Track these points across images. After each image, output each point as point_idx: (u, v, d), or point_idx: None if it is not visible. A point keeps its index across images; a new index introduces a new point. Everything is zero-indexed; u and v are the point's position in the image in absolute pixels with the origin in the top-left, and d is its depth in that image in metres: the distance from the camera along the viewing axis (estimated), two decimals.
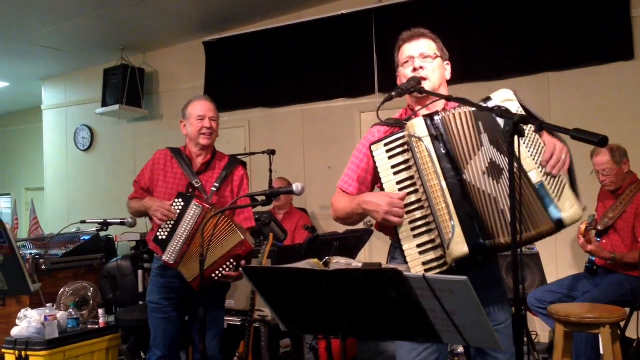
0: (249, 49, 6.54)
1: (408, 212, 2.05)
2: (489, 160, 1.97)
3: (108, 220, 3.28)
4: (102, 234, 4.53)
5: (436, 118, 2.03)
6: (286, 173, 5.82)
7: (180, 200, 3.14)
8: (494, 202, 1.96)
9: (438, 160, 1.99)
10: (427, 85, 2.19)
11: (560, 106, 4.95)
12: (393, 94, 2.12)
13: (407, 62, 2.27)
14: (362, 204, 2.15)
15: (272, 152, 5.38)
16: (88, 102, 8.01)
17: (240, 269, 3.07)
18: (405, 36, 2.33)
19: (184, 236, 3.12)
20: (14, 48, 7.07)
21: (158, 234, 3.16)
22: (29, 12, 5.95)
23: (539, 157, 1.94)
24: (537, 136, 1.94)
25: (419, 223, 2.04)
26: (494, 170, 1.97)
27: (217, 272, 3.07)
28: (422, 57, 2.23)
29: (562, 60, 4.98)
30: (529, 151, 1.94)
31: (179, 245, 3.12)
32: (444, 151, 2.00)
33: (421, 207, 2.04)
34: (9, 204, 10.60)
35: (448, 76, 2.29)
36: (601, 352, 3.48)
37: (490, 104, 1.98)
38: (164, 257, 3.16)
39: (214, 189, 3.26)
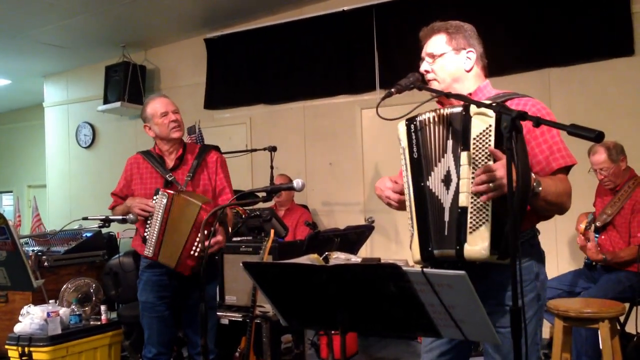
0: (250, 46, 6.55)
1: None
2: (447, 169, 1.97)
3: (110, 217, 3.28)
4: (104, 230, 4.54)
5: (416, 120, 2.05)
6: (287, 169, 5.83)
7: (156, 196, 3.19)
8: (443, 212, 1.97)
9: (410, 165, 2.05)
10: (435, 86, 2.17)
11: (561, 102, 4.96)
12: (392, 90, 2.12)
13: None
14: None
15: (273, 149, 5.39)
16: (90, 99, 8.02)
17: (219, 235, 3.12)
18: (420, 35, 2.28)
19: (157, 227, 3.16)
20: (16, 45, 7.08)
21: (145, 234, 3.21)
22: (31, 9, 5.96)
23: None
24: (489, 163, 1.83)
25: (408, 221, 2.09)
26: (448, 179, 1.96)
27: (194, 248, 3.10)
28: (430, 57, 2.20)
29: (563, 56, 4.99)
30: (472, 172, 1.86)
31: (154, 237, 3.17)
32: (415, 156, 2.04)
33: (408, 206, 2.09)
34: (12, 201, 10.62)
35: (468, 67, 2.17)
36: (600, 347, 3.49)
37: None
38: (144, 252, 3.20)
39: (187, 178, 3.30)
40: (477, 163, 1.87)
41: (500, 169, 1.76)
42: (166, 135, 3.32)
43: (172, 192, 3.16)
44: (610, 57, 4.83)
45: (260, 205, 4.01)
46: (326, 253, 1.90)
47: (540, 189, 1.87)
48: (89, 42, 7.16)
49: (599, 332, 3.40)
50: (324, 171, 6.18)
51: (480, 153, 1.87)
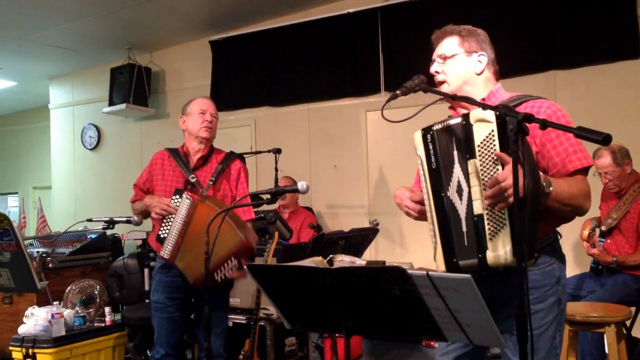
0: (255, 48, 6.55)
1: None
2: (457, 180, 1.95)
3: (114, 219, 3.29)
4: (108, 232, 4.54)
5: (432, 130, 2.02)
6: (292, 172, 5.82)
7: (177, 196, 3.20)
8: (461, 222, 1.95)
9: (429, 175, 2.03)
10: (444, 88, 2.16)
11: (566, 104, 4.87)
12: (397, 92, 2.10)
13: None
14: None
15: (278, 151, 5.38)
16: (95, 101, 8.04)
17: (245, 267, 3.09)
18: (432, 38, 2.27)
19: (177, 229, 3.15)
20: (22, 47, 7.10)
21: (160, 232, 3.20)
22: (37, 11, 5.98)
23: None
24: (497, 167, 1.83)
25: (430, 232, 2.07)
26: (460, 189, 1.95)
27: (217, 272, 3.08)
28: (441, 58, 2.19)
29: (569, 59, 4.97)
30: (483, 179, 1.86)
31: (173, 240, 3.15)
32: (434, 166, 2.02)
33: (430, 217, 2.06)
34: (17, 203, 10.65)
35: (479, 70, 2.16)
36: (606, 351, 3.47)
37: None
38: (161, 253, 3.20)
39: (210, 182, 3.31)
40: (485, 169, 1.86)
41: (508, 176, 1.74)
42: (196, 131, 3.36)
43: (196, 196, 3.16)
44: (615, 59, 4.80)
45: (265, 207, 4.01)
46: (330, 256, 1.89)
47: (551, 189, 1.84)
48: (94, 44, 7.18)
49: (605, 337, 3.39)
50: (328, 173, 6.17)
51: (487, 159, 1.85)
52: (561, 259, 2.11)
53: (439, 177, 2.00)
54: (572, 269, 4.72)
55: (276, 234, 3.67)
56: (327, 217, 6.18)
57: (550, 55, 5.01)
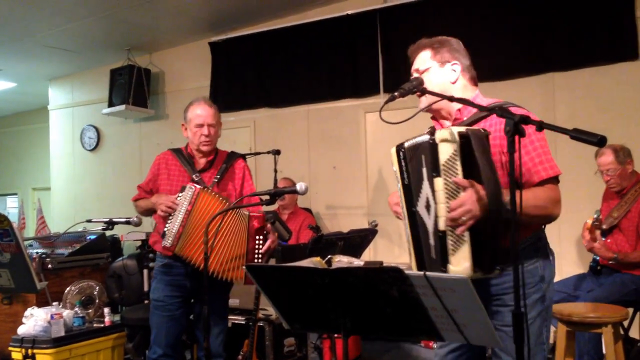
0: (254, 49, 6.56)
1: None
2: (426, 195, 2.02)
3: (114, 220, 3.30)
4: (107, 233, 4.55)
5: (404, 147, 2.11)
6: (291, 173, 5.83)
7: (182, 192, 3.20)
8: (429, 236, 2.03)
9: (403, 191, 2.13)
10: (423, 100, 2.25)
11: (565, 106, 4.95)
12: (396, 94, 2.14)
13: None
14: None
15: (277, 152, 5.39)
16: (94, 102, 8.04)
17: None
18: (408, 53, 2.39)
19: (179, 219, 3.15)
20: (21, 48, 7.11)
21: (165, 228, 3.20)
22: (36, 12, 5.99)
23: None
24: (460, 191, 1.92)
25: (406, 243, 2.20)
26: (428, 205, 2.01)
27: (256, 256, 3.18)
28: (417, 73, 2.29)
29: (567, 61, 4.97)
30: (447, 199, 1.93)
31: (175, 229, 3.15)
32: (406, 182, 2.10)
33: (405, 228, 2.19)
34: (16, 204, 10.65)
35: (453, 79, 2.25)
36: (604, 351, 3.48)
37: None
38: (163, 243, 3.17)
39: (215, 180, 3.33)
40: (449, 188, 1.93)
41: (466, 201, 1.88)
42: (195, 145, 3.37)
43: (199, 186, 3.19)
44: (614, 61, 4.81)
45: (264, 208, 4.02)
46: (329, 256, 1.90)
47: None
48: (94, 45, 7.19)
49: (602, 337, 3.40)
50: (327, 175, 6.18)
51: (450, 178, 1.93)
52: (546, 256, 2.18)
53: (410, 192, 2.09)
54: (572, 269, 4.74)
55: (275, 234, 3.68)
56: (326, 218, 6.19)
57: (549, 57, 5.02)
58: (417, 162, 2.04)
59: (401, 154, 2.11)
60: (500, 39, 5.18)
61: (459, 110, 2.20)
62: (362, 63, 5.90)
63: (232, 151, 3.55)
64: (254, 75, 6.59)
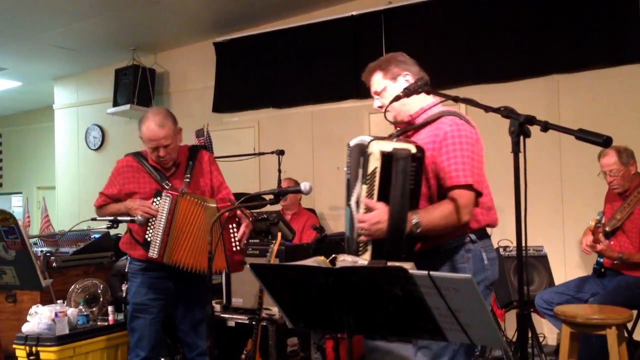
0: (259, 50, 6.57)
1: None
2: (357, 195, 2.18)
3: (118, 218, 3.30)
4: (112, 232, 4.56)
5: (350, 145, 2.28)
6: (295, 173, 5.84)
7: (157, 197, 3.19)
8: (354, 230, 2.21)
9: (346, 184, 2.30)
10: (389, 116, 2.43)
11: (569, 108, 4.94)
12: (400, 94, 2.17)
13: None
14: None
15: (281, 153, 5.40)
16: (99, 102, 8.06)
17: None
18: (363, 79, 2.58)
19: (161, 228, 3.16)
20: (27, 48, 7.13)
21: (146, 236, 3.19)
22: (42, 12, 6.01)
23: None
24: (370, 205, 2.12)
25: None
26: (357, 204, 2.19)
27: (234, 244, 3.17)
28: (376, 95, 2.48)
29: (572, 63, 4.97)
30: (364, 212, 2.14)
31: (159, 238, 3.15)
32: (348, 177, 2.28)
33: None
34: (21, 202, 10.67)
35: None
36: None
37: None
38: (149, 254, 3.16)
39: (186, 180, 3.31)
40: (369, 196, 2.13)
41: (370, 219, 2.10)
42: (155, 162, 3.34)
43: (176, 193, 3.18)
44: (618, 64, 4.81)
45: (268, 208, 4.03)
46: (333, 255, 1.91)
47: (419, 230, 2.09)
48: (99, 45, 7.21)
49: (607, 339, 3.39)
50: (331, 175, 6.18)
51: (371, 190, 2.12)
52: (478, 259, 2.27)
53: (350, 188, 2.25)
54: (576, 271, 4.74)
55: (279, 234, 3.69)
56: (330, 219, 6.20)
57: (553, 59, 5.02)
58: (356, 162, 2.20)
59: (348, 150, 2.27)
60: (504, 42, 5.18)
61: (411, 116, 2.39)
62: (367, 64, 5.88)
63: (192, 145, 3.56)
64: (258, 75, 6.60)
